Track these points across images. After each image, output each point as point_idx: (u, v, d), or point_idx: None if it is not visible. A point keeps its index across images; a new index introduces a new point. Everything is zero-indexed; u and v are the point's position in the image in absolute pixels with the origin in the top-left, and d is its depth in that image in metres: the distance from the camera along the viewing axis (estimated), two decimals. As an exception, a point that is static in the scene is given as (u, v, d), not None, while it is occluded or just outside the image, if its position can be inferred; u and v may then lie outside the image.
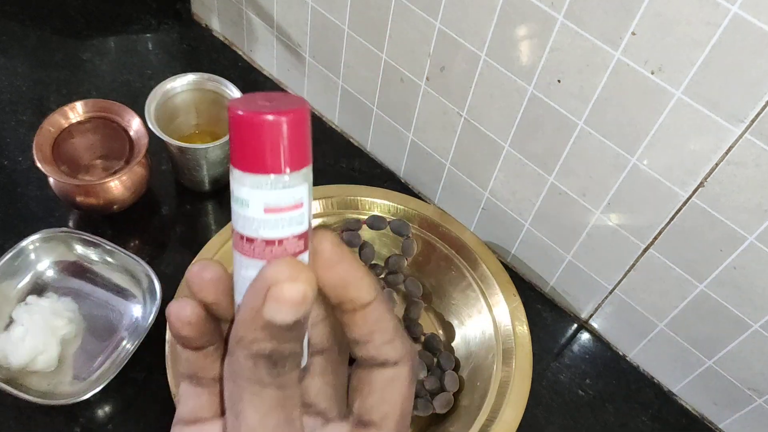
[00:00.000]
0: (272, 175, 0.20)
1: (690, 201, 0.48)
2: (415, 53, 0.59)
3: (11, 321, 0.56)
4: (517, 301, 0.57)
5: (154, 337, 0.55)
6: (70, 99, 0.65)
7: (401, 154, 0.70)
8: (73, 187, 0.60)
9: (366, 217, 0.60)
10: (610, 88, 0.47)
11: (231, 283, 0.22)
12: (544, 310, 0.65)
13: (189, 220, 0.68)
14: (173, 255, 0.64)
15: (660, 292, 0.55)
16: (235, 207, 0.21)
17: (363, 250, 0.59)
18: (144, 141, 0.62)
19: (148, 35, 0.81)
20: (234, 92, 0.65)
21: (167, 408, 0.49)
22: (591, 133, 0.50)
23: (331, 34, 0.66)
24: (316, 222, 0.62)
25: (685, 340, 0.56)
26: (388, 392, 0.21)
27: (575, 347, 0.64)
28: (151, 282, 0.57)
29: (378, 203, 0.62)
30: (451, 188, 0.67)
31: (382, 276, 0.61)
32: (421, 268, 0.62)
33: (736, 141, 0.43)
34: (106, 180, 0.60)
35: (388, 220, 0.60)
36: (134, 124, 0.63)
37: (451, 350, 0.60)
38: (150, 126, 0.62)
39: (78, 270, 0.60)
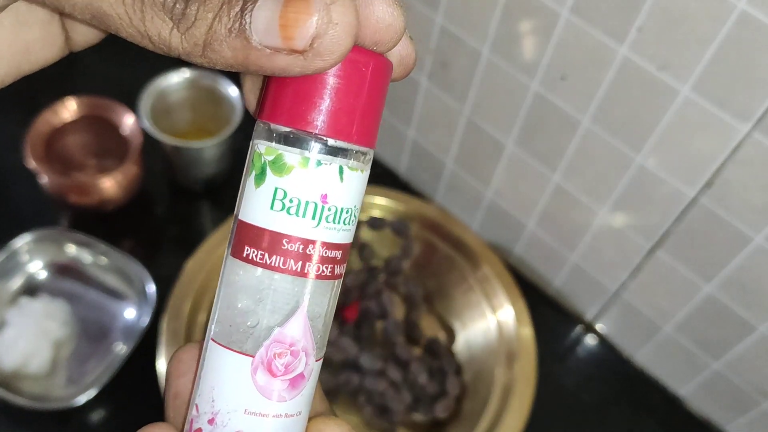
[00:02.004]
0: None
1: (697, 201, 0.48)
2: (416, 49, 0.58)
3: (3, 323, 0.55)
4: (521, 303, 0.57)
5: (149, 340, 0.54)
6: (62, 96, 0.64)
7: (402, 153, 0.70)
8: (66, 185, 0.60)
9: (366, 217, 0.59)
10: (615, 86, 0.47)
11: None
12: (547, 312, 0.65)
13: (184, 220, 0.67)
14: (168, 256, 0.64)
15: (666, 294, 0.55)
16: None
17: (362, 251, 0.59)
18: (138, 139, 0.62)
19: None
20: (230, 89, 0.65)
21: (161, 413, 0.48)
22: (596, 132, 0.50)
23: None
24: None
25: (691, 343, 0.56)
26: None
27: (580, 350, 0.63)
28: (146, 284, 0.56)
29: (378, 203, 0.62)
30: (453, 188, 0.66)
31: (382, 277, 0.60)
32: (422, 270, 0.62)
33: (744, 139, 0.43)
34: (99, 178, 0.60)
35: (388, 220, 0.59)
36: (128, 122, 0.63)
37: (453, 354, 0.59)
38: (144, 124, 0.61)
39: (71, 271, 0.60)
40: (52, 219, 0.64)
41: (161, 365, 0.50)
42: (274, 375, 0.18)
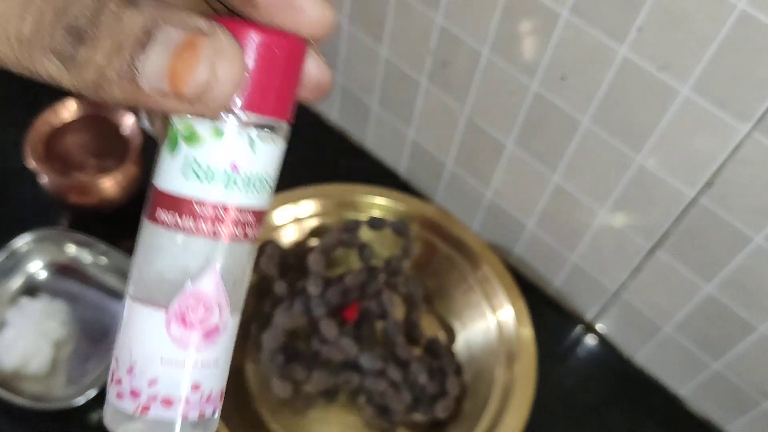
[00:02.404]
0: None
1: (697, 201, 0.48)
2: (416, 49, 0.59)
3: (3, 323, 0.55)
4: (521, 303, 0.57)
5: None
6: (62, 97, 0.64)
7: (402, 153, 0.70)
8: (66, 185, 0.60)
9: (366, 217, 0.60)
10: (615, 86, 0.47)
11: None
12: (547, 313, 0.65)
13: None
14: (169, 256, 0.64)
15: (666, 294, 0.55)
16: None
17: (362, 251, 0.59)
18: (138, 139, 0.62)
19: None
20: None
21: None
22: (596, 132, 0.50)
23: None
24: (314, 222, 0.61)
25: (691, 343, 0.56)
26: None
27: (580, 350, 0.64)
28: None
29: (378, 203, 0.62)
30: (453, 188, 0.67)
31: (382, 277, 0.61)
32: (422, 270, 0.62)
33: (744, 139, 0.43)
34: (100, 178, 0.60)
35: (388, 220, 0.59)
36: (128, 122, 0.63)
37: (453, 354, 0.59)
38: (144, 124, 0.61)
39: (71, 271, 0.60)
40: (52, 219, 0.64)
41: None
42: (187, 327, 0.19)
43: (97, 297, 0.59)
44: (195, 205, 0.19)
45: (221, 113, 0.18)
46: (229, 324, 0.20)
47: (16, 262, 0.58)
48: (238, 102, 0.18)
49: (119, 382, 0.20)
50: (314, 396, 0.55)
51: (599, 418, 0.59)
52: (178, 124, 0.19)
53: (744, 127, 0.42)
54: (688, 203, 0.48)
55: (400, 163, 0.71)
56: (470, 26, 0.53)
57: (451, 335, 0.61)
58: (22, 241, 0.58)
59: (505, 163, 0.59)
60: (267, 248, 0.58)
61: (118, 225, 0.65)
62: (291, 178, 0.69)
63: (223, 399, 0.21)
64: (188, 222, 0.19)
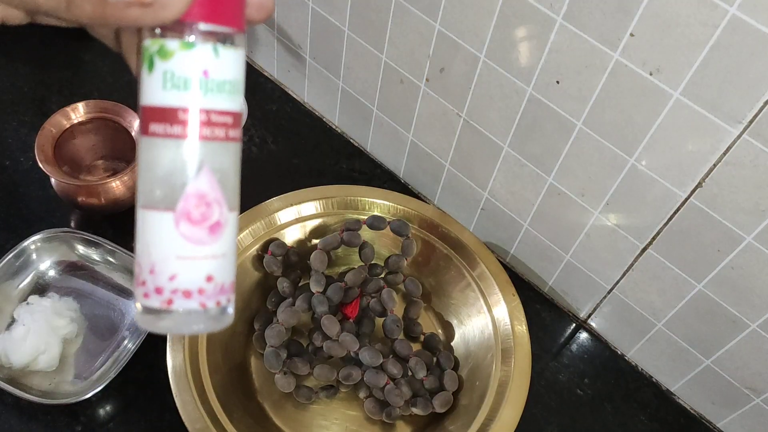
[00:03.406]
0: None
1: (688, 201, 0.48)
2: (415, 54, 0.59)
3: (13, 321, 0.56)
4: (516, 301, 0.57)
5: (155, 337, 0.55)
6: (71, 100, 0.65)
7: (401, 155, 0.70)
8: (75, 187, 0.61)
9: (366, 217, 0.60)
10: (608, 89, 0.47)
11: None
12: (542, 310, 0.66)
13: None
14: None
15: (658, 292, 0.55)
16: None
17: (363, 250, 0.60)
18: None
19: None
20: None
21: (168, 407, 0.49)
22: (589, 134, 0.51)
23: (332, 35, 0.66)
24: (316, 222, 0.62)
25: (683, 340, 0.57)
26: None
27: (574, 347, 0.64)
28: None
29: (378, 203, 0.62)
30: (451, 189, 0.67)
31: (382, 276, 0.61)
32: (421, 268, 0.62)
33: (734, 142, 0.43)
34: (108, 180, 0.60)
35: (388, 220, 0.60)
36: (135, 125, 0.63)
37: (451, 349, 0.60)
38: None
39: (79, 270, 0.60)
40: (62, 219, 0.65)
41: (168, 361, 0.51)
42: (194, 223, 0.22)
43: (105, 295, 0.60)
44: (178, 112, 0.21)
45: (186, 29, 0.21)
46: (230, 220, 0.22)
47: (26, 261, 0.59)
48: (197, 15, 0.21)
49: (144, 283, 0.22)
50: (316, 390, 0.56)
51: (593, 413, 0.60)
52: (151, 45, 0.21)
53: (734, 129, 0.42)
54: (679, 203, 0.49)
55: (400, 165, 0.72)
56: (468, 32, 0.53)
57: (448, 332, 0.61)
58: (31, 241, 0.58)
59: (501, 164, 0.60)
60: (271, 247, 0.58)
61: (126, 225, 0.66)
62: (294, 179, 0.70)
63: (234, 291, 0.23)
64: (175, 128, 0.21)
